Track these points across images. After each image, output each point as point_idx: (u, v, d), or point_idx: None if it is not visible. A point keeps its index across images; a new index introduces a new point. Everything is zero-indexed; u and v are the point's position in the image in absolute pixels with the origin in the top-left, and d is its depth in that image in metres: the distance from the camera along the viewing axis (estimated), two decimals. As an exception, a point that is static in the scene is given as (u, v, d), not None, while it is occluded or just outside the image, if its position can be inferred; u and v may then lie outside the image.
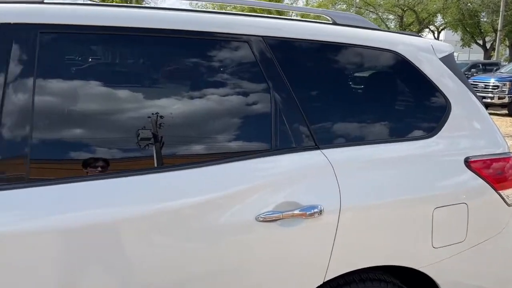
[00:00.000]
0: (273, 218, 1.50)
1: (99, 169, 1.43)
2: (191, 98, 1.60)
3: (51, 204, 1.32)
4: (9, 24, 1.38)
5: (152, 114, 1.52)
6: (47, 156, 1.40)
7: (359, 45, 1.83)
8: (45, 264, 1.29)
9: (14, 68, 1.36)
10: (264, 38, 1.67)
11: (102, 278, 1.35)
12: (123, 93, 1.53)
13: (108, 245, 1.35)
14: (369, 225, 1.64)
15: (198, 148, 1.56)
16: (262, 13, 2.02)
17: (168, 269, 1.41)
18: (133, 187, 1.41)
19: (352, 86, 1.89)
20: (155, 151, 1.49)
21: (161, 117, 1.51)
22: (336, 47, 1.81)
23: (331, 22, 1.92)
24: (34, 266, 1.28)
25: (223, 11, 1.92)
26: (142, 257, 1.38)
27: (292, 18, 1.96)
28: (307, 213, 1.53)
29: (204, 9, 1.68)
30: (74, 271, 1.33)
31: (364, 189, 1.65)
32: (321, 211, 1.55)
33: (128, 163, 1.45)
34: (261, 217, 1.48)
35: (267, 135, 1.61)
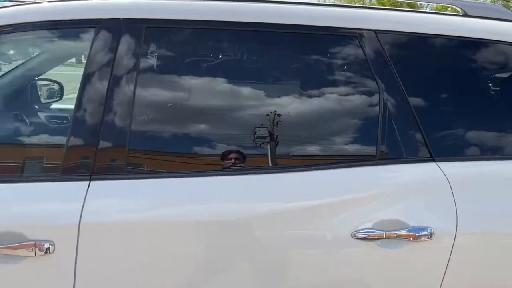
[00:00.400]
0: (373, 236, 1.32)
1: (216, 165, 1.43)
2: (294, 97, 1.50)
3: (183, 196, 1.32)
4: (118, 19, 1.40)
5: (258, 112, 1.46)
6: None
7: (495, 40, 1.54)
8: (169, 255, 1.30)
9: (120, 61, 1.38)
10: (377, 32, 1.48)
11: (219, 273, 1.32)
12: (225, 90, 1.49)
13: (217, 242, 1.31)
14: (490, 256, 1.37)
15: (295, 151, 1.46)
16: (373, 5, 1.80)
17: (265, 272, 1.33)
18: (248, 185, 1.36)
19: (482, 89, 1.60)
20: (269, 150, 1.44)
21: (266, 115, 1.45)
22: (465, 43, 1.54)
23: (461, 14, 1.65)
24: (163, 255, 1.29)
25: (326, 3, 1.77)
26: (244, 256, 1.33)
27: (409, 9, 1.73)
28: (416, 234, 1.33)
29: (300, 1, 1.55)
30: (195, 266, 1.31)
31: (488, 213, 1.38)
32: (431, 234, 1.33)
33: (240, 161, 1.43)
34: (359, 234, 1.31)
35: (373, 141, 1.43)
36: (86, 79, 1.36)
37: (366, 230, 1.32)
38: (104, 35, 1.38)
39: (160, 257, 1.29)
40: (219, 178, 1.37)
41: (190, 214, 1.31)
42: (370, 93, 1.46)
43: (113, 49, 1.38)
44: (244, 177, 1.38)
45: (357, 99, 1.47)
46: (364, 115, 1.48)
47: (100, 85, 1.36)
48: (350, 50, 1.48)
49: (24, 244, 1.23)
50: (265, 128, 1.44)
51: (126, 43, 1.39)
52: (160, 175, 1.37)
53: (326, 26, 1.47)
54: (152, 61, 1.45)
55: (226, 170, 1.42)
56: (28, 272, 1.25)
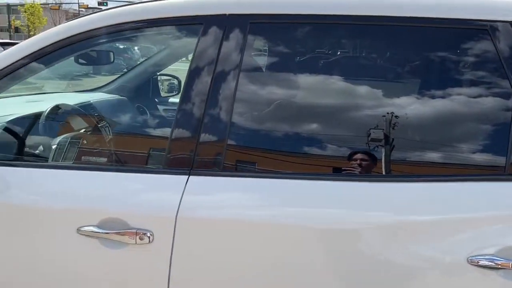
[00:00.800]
0: (496, 265, 1.12)
1: (322, 166, 1.37)
2: (414, 97, 1.35)
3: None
4: (224, 15, 1.39)
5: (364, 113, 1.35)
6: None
7: None
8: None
9: (224, 58, 1.37)
10: (515, 23, 1.25)
11: (318, 280, 1.25)
12: (334, 87, 1.41)
13: (316, 248, 1.25)
14: None
15: (411, 157, 1.32)
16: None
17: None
18: (360, 193, 1.26)
19: None
20: (383, 155, 1.32)
21: (382, 117, 1.33)
22: None
23: None
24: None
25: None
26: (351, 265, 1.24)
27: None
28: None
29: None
30: (292, 271, 1.25)
31: None
32: None
33: (349, 165, 1.32)
34: (478, 259, 1.13)
35: (502, 151, 1.22)
36: (191, 75, 1.38)
37: (488, 257, 1.13)
38: (209, 31, 1.38)
39: (254, 258, 1.26)
40: (326, 182, 1.28)
41: (289, 217, 1.25)
42: (501, 95, 1.24)
43: (218, 45, 1.37)
44: (355, 184, 1.28)
45: (485, 102, 1.26)
46: (492, 120, 1.27)
47: (203, 81, 1.36)
48: (479, 45, 1.27)
49: (127, 231, 1.28)
50: (381, 130, 1.32)
51: (230, 39, 1.37)
52: (260, 175, 1.33)
53: (452, 19, 1.29)
54: (256, 57, 1.42)
55: (334, 174, 1.33)
56: (128, 258, 1.30)
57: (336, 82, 1.42)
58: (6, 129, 1.76)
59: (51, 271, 1.37)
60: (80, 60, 2.11)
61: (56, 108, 1.83)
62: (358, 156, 1.32)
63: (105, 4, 38.32)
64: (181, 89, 1.40)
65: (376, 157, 1.32)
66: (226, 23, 1.38)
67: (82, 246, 1.32)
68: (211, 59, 1.37)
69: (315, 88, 1.43)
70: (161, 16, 1.43)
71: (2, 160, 1.56)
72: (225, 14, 1.39)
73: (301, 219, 1.24)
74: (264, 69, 1.49)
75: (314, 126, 1.40)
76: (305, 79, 1.44)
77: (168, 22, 1.44)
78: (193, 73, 1.38)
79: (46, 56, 1.46)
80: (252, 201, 1.29)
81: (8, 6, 49.30)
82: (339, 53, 1.48)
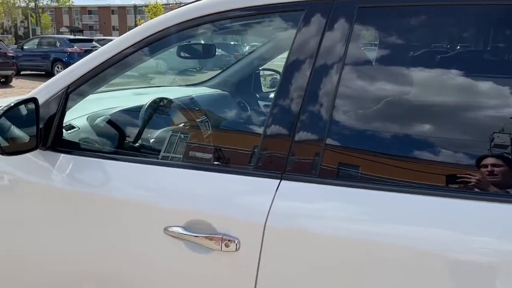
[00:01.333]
0: None
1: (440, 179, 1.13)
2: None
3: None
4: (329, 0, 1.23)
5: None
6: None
7: None
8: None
9: (325, 49, 1.21)
10: None
11: None
12: (457, 84, 1.17)
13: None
14: None
15: None
16: None
17: None
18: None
19: None
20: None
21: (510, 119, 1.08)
22: None
23: None
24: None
25: None
26: None
27: None
28: None
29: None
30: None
31: None
32: None
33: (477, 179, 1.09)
34: None
35: None
36: (288, 67, 1.24)
37: None
38: (311, 18, 1.23)
39: (353, 280, 1.08)
40: (451, 201, 1.04)
41: (400, 237, 1.06)
42: None
43: (320, 34, 1.21)
44: (488, 205, 1.03)
45: None
46: None
47: (301, 75, 1.21)
48: None
49: (214, 237, 1.20)
50: (508, 136, 1.06)
51: (333, 27, 1.20)
52: (363, 184, 1.13)
53: None
54: (364, 48, 1.23)
55: (460, 191, 1.08)
56: (212, 265, 1.22)
57: (463, 78, 1.18)
58: (109, 122, 1.80)
59: (137, 269, 1.34)
60: (182, 54, 2.09)
61: (156, 101, 1.82)
62: (478, 164, 1.07)
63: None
64: (277, 84, 1.26)
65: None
66: (330, 8, 1.21)
67: (167, 246, 1.26)
68: (312, 50, 1.21)
69: (437, 84, 1.20)
70: (259, 4, 1.31)
71: (104, 152, 1.58)
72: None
73: (415, 241, 1.04)
74: (373, 62, 1.30)
75: (432, 128, 1.17)
76: (424, 74, 1.22)
77: (267, 10, 1.32)
78: (291, 66, 1.24)
79: (154, 43, 1.43)
80: (353, 215, 1.12)
81: (135, 7, 53.94)
82: (469, 44, 1.23)
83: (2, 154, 1.36)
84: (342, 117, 1.20)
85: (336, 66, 1.19)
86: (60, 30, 53.66)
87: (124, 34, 1.50)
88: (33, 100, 1.44)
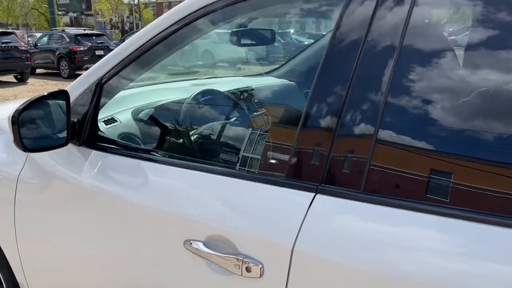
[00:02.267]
0: None
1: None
2: None
3: None
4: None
5: None
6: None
7: None
8: None
9: (375, 33, 0.94)
10: None
11: None
12: None
13: None
14: None
15: None
16: None
17: None
18: None
19: None
20: None
21: None
22: None
23: None
24: None
25: None
26: None
27: None
28: None
29: None
30: None
31: None
32: None
33: None
34: None
35: None
36: (328, 54, 0.99)
37: None
38: None
39: None
40: None
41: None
42: None
43: (369, 12, 0.95)
44: None
45: None
46: None
47: (345, 62, 0.96)
48: None
49: (233, 258, 1.00)
50: None
51: (387, 4, 0.93)
52: (425, 207, 0.85)
53: None
54: (427, 28, 0.94)
55: None
56: None
57: None
58: (151, 117, 1.67)
59: (153, 283, 1.19)
60: (237, 40, 1.90)
61: (201, 94, 1.65)
62: None
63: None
64: (315, 77, 1.02)
65: None
66: None
67: (185, 262, 1.09)
68: (359, 33, 0.95)
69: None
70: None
71: (136, 151, 1.45)
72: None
73: None
74: (448, 45, 1.00)
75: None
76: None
77: None
78: (331, 51, 0.99)
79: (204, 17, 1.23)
80: (409, 242, 0.85)
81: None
82: None
83: (24, 150, 1.28)
84: (399, 115, 0.92)
85: (392, 50, 0.91)
86: (161, 24, 56.40)
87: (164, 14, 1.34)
88: (63, 92, 1.35)
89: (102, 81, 1.40)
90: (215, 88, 1.74)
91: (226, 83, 2.38)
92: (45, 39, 15.31)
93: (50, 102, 1.34)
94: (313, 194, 0.94)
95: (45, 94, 1.32)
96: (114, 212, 1.28)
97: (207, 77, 2.69)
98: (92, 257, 1.35)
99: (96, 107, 1.41)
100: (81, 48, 13.88)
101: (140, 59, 1.34)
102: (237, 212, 1.04)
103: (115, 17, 50.26)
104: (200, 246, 1.05)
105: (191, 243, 1.07)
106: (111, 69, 1.38)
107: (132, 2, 41.47)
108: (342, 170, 0.93)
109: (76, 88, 1.43)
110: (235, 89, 1.92)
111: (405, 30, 0.91)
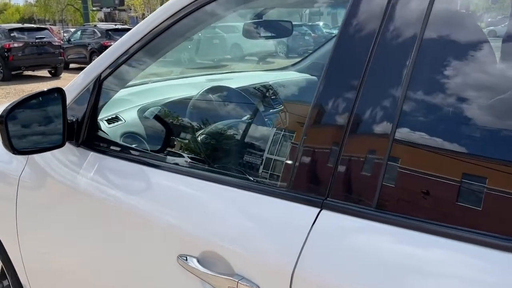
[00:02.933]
0: None
1: None
2: None
3: None
4: None
5: None
6: None
7: None
8: None
9: (391, 26, 0.80)
10: None
11: None
12: None
13: None
14: None
15: None
16: None
17: None
18: None
19: None
20: None
21: None
22: None
23: None
24: None
25: None
26: None
27: None
28: None
29: None
30: None
31: None
32: None
33: None
34: None
35: None
36: (335, 50, 0.86)
37: None
38: None
39: None
40: None
41: None
42: None
43: (383, 7, 0.81)
44: None
45: None
46: None
47: (355, 61, 0.82)
48: None
49: (228, 279, 0.88)
50: None
51: None
52: (446, 230, 0.70)
53: None
54: (445, 25, 0.79)
55: None
56: None
57: None
58: (156, 116, 1.57)
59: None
60: (251, 33, 1.77)
61: (209, 91, 1.54)
62: None
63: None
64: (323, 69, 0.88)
65: None
66: None
67: (176, 276, 0.99)
68: (370, 30, 0.81)
69: None
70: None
71: (135, 153, 1.35)
72: None
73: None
74: (472, 43, 0.84)
75: None
76: None
77: None
78: (339, 48, 0.86)
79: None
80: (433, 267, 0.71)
81: None
82: None
83: (13, 153, 1.20)
84: (418, 122, 0.78)
85: (408, 49, 0.77)
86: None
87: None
88: (59, 90, 1.27)
89: (101, 78, 1.31)
90: (224, 85, 1.62)
91: (242, 78, 2.26)
92: (78, 34, 15.60)
93: (44, 100, 1.25)
94: (318, 210, 0.82)
95: (38, 92, 1.24)
96: (108, 217, 1.19)
97: (224, 71, 2.56)
98: (86, 261, 1.27)
99: (95, 105, 1.33)
100: (113, 43, 14.08)
101: (142, 51, 1.24)
102: (234, 227, 0.93)
103: (147, 11, 50.91)
104: (194, 262, 0.94)
105: (186, 259, 0.96)
106: (111, 64, 1.28)
107: (163, -4, 41.83)
108: (351, 183, 0.80)
109: (74, 85, 1.35)
110: (249, 85, 1.79)
111: (428, 18, 0.76)
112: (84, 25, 17.65)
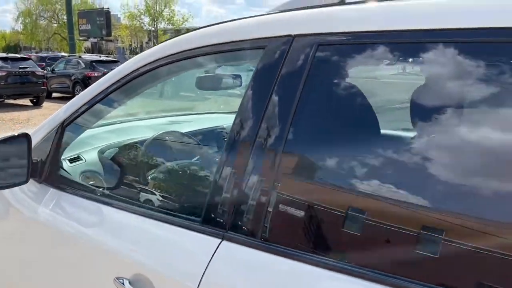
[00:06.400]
0: None
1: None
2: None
3: None
4: (289, 36, 1.07)
5: None
6: None
7: None
8: None
9: (282, 81, 1.05)
10: None
11: None
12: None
13: None
14: None
15: None
16: None
17: None
18: None
19: None
20: None
21: None
22: None
23: None
24: None
25: None
26: None
27: None
28: None
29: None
30: None
31: None
32: None
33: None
34: None
35: None
36: (240, 107, 1.11)
37: None
38: (270, 56, 1.08)
39: None
40: None
41: None
42: None
43: (277, 69, 1.06)
44: None
45: None
46: None
47: (253, 116, 1.07)
48: None
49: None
50: None
51: (291, 63, 1.04)
52: (320, 260, 0.90)
53: None
54: (321, 86, 1.05)
55: None
56: None
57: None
58: (113, 157, 1.79)
59: None
60: (203, 85, 2.03)
61: (161, 136, 1.78)
62: None
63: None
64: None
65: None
66: (290, 44, 1.06)
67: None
68: (265, 90, 1.07)
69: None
70: (222, 41, 1.20)
71: (88, 191, 1.55)
72: (290, 35, 1.07)
73: None
74: (333, 99, 1.09)
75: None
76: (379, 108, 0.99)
77: (231, 47, 1.20)
78: (243, 105, 1.10)
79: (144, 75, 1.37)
80: None
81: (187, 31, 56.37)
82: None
83: None
84: (295, 165, 1.02)
85: (290, 105, 1.02)
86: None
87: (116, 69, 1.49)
88: (25, 135, 1.49)
89: (65, 123, 1.53)
90: (174, 130, 1.85)
91: (201, 121, 2.50)
92: (62, 64, 15.83)
93: (12, 143, 1.47)
94: (219, 241, 1.04)
95: (7, 137, 1.46)
96: (61, 245, 1.39)
97: (186, 113, 2.82)
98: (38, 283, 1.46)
99: (57, 147, 1.55)
100: (96, 74, 14.29)
101: (103, 102, 1.48)
102: (157, 255, 1.14)
103: (134, 42, 51.55)
104: (127, 284, 1.15)
105: (122, 281, 1.17)
106: (73, 113, 1.51)
107: (151, 28, 42.64)
108: (244, 218, 1.03)
109: (41, 129, 1.57)
110: (199, 129, 2.04)
111: (302, 90, 1.01)
112: (69, 56, 17.89)
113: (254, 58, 1.15)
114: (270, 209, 0.99)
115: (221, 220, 1.06)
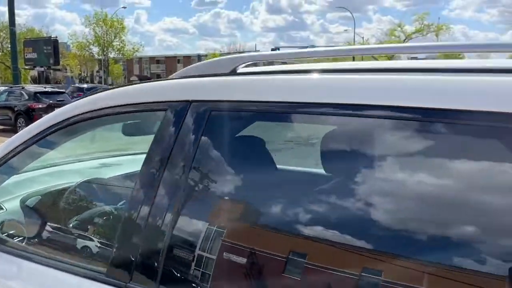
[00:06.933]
0: None
1: None
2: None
3: None
4: (187, 101, 1.21)
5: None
6: None
7: None
8: None
9: (180, 144, 1.17)
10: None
11: None
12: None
13: None
14: None
15: None
16: None
17: None
18: None
19: None
20: None
21: None
22: None
23: None
24: None
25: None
26: None
27: None
28: None
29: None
30: None
31: None
32: None
33: None
34: None
35: None
36: (142, 168, 1.21)
37: None
38: (170, 118, 1.21)
39: None
40: None
41: None
42: None
43: (175, 132, 1.18)
44: None
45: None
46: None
47: (152, 173, 1.17)
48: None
49: None
50: None
51: (188, 127, 1.17)
52: None
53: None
54: (213, 149, 1.18)
55: None
56: None
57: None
58: (34, 205, 1.82)
59: None
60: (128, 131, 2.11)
61: (83, 183, 1.83)
62: None
63: (278, 49, 40.96)
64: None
65: None
66: (187, 109, 1.19)
67: None
68: (165, 152, 1.18)
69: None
70: (129, 102, 1.32)
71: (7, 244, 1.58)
72: (188, 100, 1.20)
73: None
74: (223, 165, 1.23)
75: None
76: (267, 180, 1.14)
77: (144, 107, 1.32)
78: (144, 167, 1.21)
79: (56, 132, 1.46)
80: None
81: (199, 56, 56.88)
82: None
83: None
84: (189, 225, 1.13)
85: (184, 168, 1.14)
86: (131, 79, 57.67)
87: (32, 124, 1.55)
88: None
89: None
90: (97, 177, 1.91)
91: (130, 162, 2.56)
92: (4, 96, 15.32)
93: None
94: None
95: None
96: None
97: (115, 155, 2.87)
98: None
99: None
100: (40, 106, 13.93)
101: (24, 152, 1.53)
102: None
103: (84, 71, 50.65)
104: None
105: None
106: None
107: (102, 58, 42.13)
108: (144, 271, 1.12)
109: None
110: (126, 173, 2.11)
111: (195, 154, 1.14)
112: (11, 87, 17.33)
113: (158, 119, 1.27)
114: (166, 259, 1.09)
115: (124, 272, 1.14)
